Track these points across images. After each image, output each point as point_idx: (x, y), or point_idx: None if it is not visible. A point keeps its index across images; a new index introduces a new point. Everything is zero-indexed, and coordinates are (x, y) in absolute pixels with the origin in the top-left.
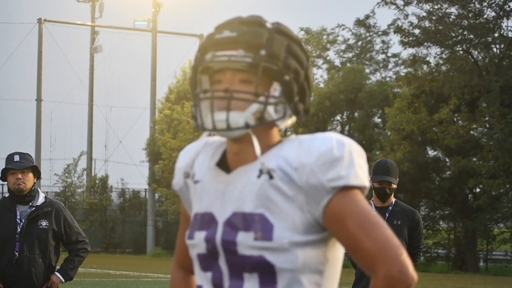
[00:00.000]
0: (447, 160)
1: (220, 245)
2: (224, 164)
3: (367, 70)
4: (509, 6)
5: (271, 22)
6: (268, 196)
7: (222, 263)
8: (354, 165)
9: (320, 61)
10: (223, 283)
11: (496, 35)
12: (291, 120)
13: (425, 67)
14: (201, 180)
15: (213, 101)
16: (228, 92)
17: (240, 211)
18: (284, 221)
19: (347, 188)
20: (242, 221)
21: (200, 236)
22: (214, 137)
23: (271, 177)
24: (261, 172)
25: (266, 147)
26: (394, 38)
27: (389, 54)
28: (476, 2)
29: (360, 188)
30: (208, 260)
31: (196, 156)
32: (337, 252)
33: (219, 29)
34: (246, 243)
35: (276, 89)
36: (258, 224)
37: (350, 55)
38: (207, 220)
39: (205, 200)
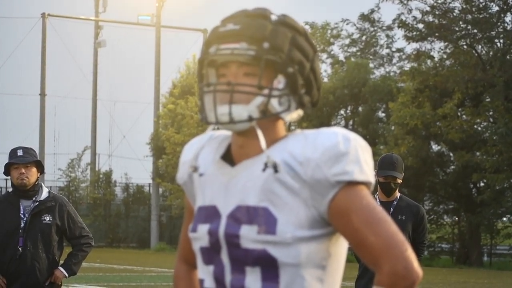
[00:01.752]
0: (451, 154)
1: (223, 238)
2: (229, 158)
3: (371, 65)
4: None
5: (277, 14)
6: (273, 190)
7: (224, 256)
8: (360, 161)
9: (324, 56)
10: (224, 277)
11: (500, 29)
12: (297, 113)
13: (429, 61)
14: (205, 173)
15: (215, 95)
16: (230, 85)
17: (244, 205)
18: (288, 215)
19: (353, 184)
20: (246, 214)
21: (203, 229)
22: (219, 131)
23: (276, 170)
24: (266, 165)
25: (271, 140)
26: (399, 33)
27: (393, 49)
28: None
29: (366, 184)
30: (211, 254)
31: (201, 150)
32: (341, 247)
33: (224, 22)
34: (249, 236)
35: (280, 82)
36: (262, 218)
37: (354, 49)
38: (210, 213)
39: (209, 193)
